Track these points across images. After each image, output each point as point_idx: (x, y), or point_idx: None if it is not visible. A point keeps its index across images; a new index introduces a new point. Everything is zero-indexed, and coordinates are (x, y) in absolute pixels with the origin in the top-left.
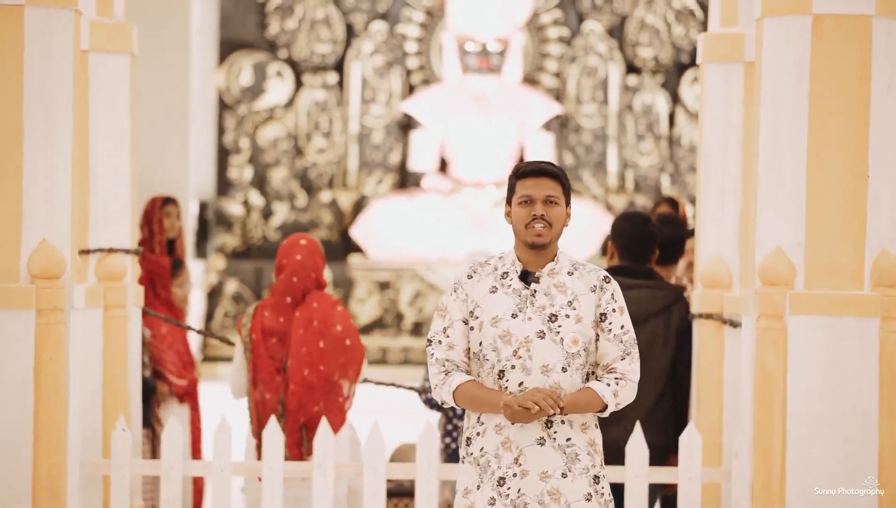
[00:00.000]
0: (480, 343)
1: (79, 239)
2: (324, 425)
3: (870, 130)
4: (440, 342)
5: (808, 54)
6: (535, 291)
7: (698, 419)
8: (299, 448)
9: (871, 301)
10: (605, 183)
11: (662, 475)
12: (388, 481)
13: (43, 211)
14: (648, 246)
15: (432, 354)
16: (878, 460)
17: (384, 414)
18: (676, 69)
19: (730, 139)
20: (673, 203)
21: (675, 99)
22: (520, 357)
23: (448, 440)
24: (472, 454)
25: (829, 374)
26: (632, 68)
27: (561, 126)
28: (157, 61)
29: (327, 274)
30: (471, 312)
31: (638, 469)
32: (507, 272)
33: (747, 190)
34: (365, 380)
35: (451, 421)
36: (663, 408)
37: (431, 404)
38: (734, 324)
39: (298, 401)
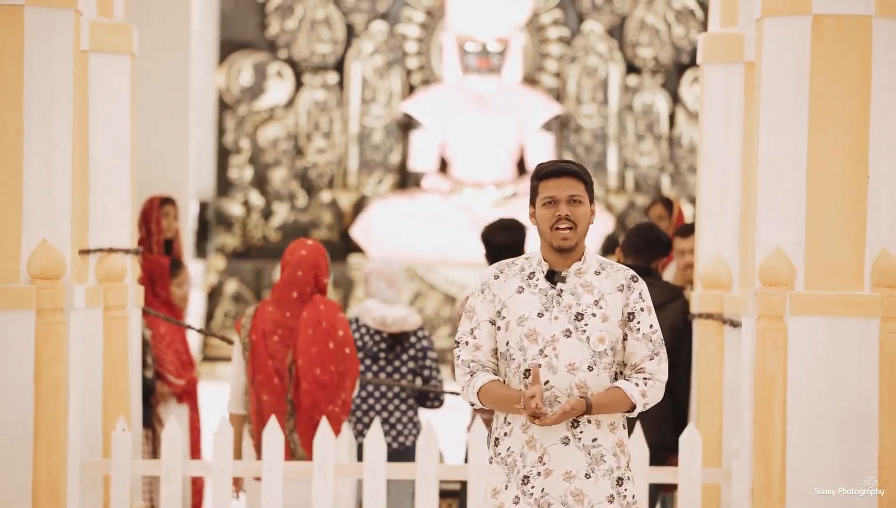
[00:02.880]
0: (507, 343)
1: (79, 239)
2: (324, 425)
3: (870, 130)
4: (467, 343)
5: (808, 54)
6: (562, 290)
7: (698, 419)
8: None
9: (871, 302)
10: (605, 183)
11: (662, 475)
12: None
13: (43, 211)
14: (654, 247)
15: (458, 356)
16: (878, 460)
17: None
18: (676, 69)
19: (730, 139)
20: (668, 203)
21: (675, 99)
22: (546, 356)
23: None
24: (499, 454)
25: (830, 374)
26: (632, 68)
27: (561, 126)
28: (157, 61)
29: None
30: (498, 312)
31: (638, 469)
32: (533, 272)
33: (747, 190)
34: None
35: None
36: (662, 408)
37: None
38: (734, 324)
39: (313, 400)
